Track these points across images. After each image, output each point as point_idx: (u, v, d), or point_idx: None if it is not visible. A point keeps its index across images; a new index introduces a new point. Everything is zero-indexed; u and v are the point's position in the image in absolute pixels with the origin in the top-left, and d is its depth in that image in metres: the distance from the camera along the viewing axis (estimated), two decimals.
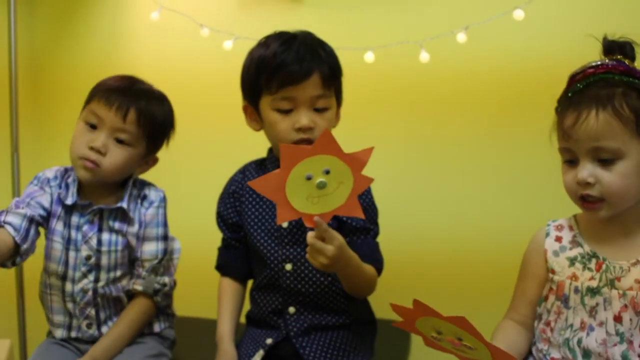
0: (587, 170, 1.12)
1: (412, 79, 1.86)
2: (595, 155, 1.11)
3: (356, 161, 1.10)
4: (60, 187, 1.42)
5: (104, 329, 1.42)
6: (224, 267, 1.52)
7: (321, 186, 1.09)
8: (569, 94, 1.16)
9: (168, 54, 2.10)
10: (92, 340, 1.40)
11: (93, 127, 1.37)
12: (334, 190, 1.11)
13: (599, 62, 1.16)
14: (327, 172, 1.09)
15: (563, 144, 1.16)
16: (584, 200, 1.14)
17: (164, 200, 1.46)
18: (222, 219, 1.51)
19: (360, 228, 1.38)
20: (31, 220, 1.33)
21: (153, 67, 2.12)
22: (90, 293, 1.40)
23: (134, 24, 2.14)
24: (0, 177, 2.05)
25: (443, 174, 1.88)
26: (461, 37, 1.76)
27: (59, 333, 1.43)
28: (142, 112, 1.39)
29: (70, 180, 1.43)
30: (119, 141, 1.38)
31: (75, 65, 2.18)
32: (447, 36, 1.76)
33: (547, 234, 1.25)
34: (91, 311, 1.41)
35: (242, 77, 1.42)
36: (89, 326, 1.42)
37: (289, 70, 1.32)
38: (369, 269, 1.35)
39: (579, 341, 1.15)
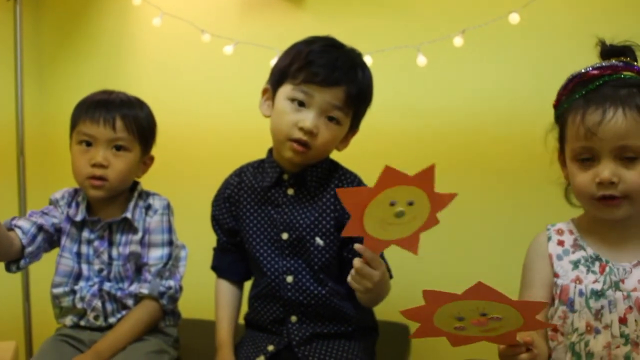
0: (610, 169, 1.10)
1: (409, 83, 1.89)
2: (619, 154, 1.10)
3: (439, 202, 1.06)
4: (69, 206, 1.50)
5: (112, 319, 1.47)
6: (220, 269, 1.52)
7: (399, 215, 1.06)
8: (582, 92, 1.14)
9: (170, 60, 2.13)
10: (101, 330, 1.46)
11: (88, 144, 1.44)
12: (406, 223, 1.07)
13: (604, 64, 1.15)
14: (410, 204, 1.05)
15: (583, 143, 1.12)
16: (603, 199, 1.12)
17: (167, 207, 1.51)
18: (218, 223, 1.50)
19: None
20: (40, 227, 1.44)
21: (155, 73, 2.16)
22: (96, 287, 1.46)
23: (137, 30, 2.17)
24: (7, 196, 2.09)
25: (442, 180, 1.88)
26: (458, 41, 1.78)
27: (69, 321, 1.49)
28: (126, 117, 1.45)
29: (80, 199, 1.51)
30: (117, 149, 1.44)
31: (81, 72, 2.23)
32: (444, 40, 1.79)
33: (549, 238, 1.23)
34: (97, 303, 1.46)
35: (277, 62, 1.41)
36: (96, 318, 1.47)
37: (320, 71, 1.31)
38: (388, 279, 1.32)
39: (586, 344, 1.14)
